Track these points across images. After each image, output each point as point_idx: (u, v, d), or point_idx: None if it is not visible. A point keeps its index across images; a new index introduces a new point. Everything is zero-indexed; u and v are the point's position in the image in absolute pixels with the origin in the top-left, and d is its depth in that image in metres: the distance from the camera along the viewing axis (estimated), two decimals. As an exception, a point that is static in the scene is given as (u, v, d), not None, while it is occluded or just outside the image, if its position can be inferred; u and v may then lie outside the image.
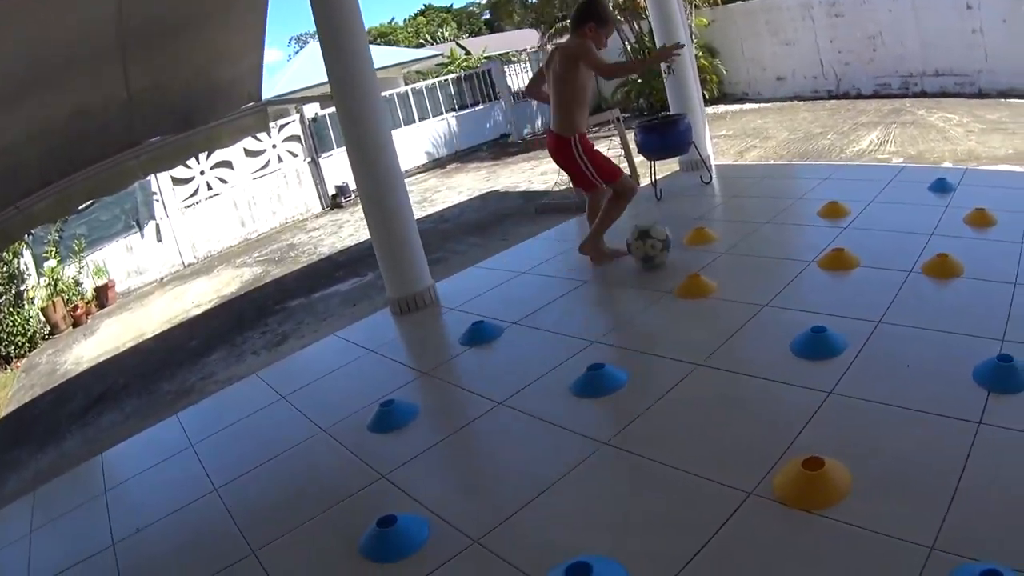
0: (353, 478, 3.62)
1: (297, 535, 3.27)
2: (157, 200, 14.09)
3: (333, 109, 5.86)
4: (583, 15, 5.54)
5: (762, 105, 17.50)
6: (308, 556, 3.14)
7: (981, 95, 14.03)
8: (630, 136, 9.28)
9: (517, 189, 13.61)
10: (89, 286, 12.99)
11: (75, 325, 12.19)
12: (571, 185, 9.69)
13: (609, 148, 11.20)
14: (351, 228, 13.53)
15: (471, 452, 3.83)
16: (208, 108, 6.41)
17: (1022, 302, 4.11)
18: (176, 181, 14.34)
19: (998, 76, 13.85)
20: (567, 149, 5.61)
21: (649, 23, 10.02)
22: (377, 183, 5.80)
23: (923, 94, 15.03)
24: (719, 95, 18.47)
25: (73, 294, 12.51)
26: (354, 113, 5.67)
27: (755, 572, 2.55)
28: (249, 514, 3.54)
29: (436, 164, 18.64)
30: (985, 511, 2.57)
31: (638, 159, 9.02)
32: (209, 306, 10.82)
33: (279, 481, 3.81)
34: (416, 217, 6.18)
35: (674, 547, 2.71)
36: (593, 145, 5.69)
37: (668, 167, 8.89)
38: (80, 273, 12.93)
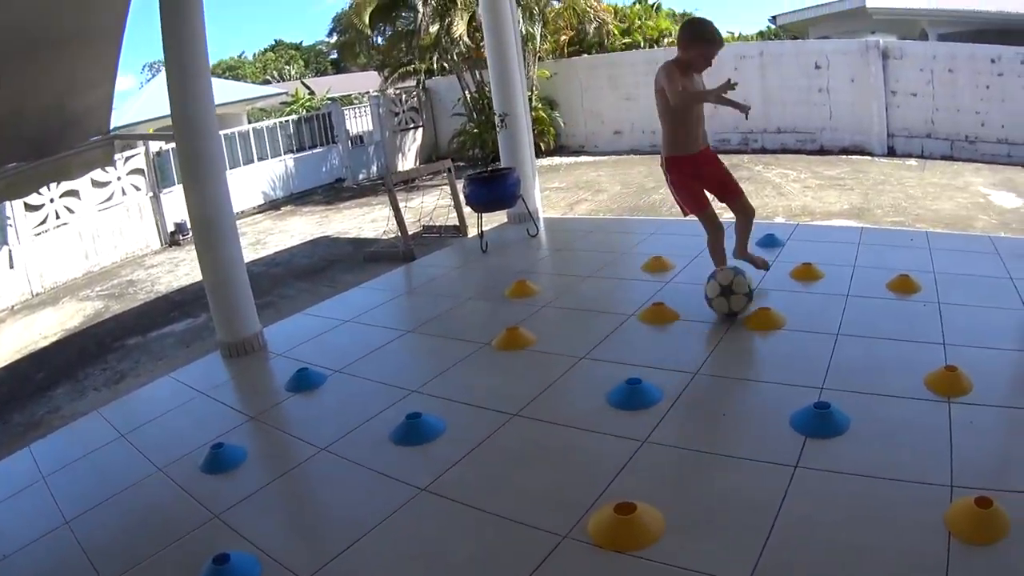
0: (188, 517, 3.65)
1: (142, 569, 3.28)
2: (10, 225, 13.45)
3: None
4: (678, 36, 5.45)
5: (598, 158, 17.99)
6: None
7: (823, 152, 14.88)
8: (460, 186, 9.20)
9: (348, 235, 13.48)
10: (-49, 311, 12.29)
11: (-60, 350, 11.43)
12: (398, 234, 9.67)
13: (440, 198, 11.24)
14: (187, 267, 13.22)
15: (297, 495, 3.86)
16: (59, 138, 6.29)
17: (843, 352, 4.32)
18: (28, 207, 13.81)
19: (841, 134, 14.66)
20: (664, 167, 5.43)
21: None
22: (210, 225, 5.75)
23: (763, 150, 15.81)
24: (555, 147, 18.80)
25: (-63, 318, 11.83)
26: (191, 150, 5.61)
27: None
28: (99, 547, 3.54)
29: (272, 206, 18.17)
30: (801, 546, 2.72)
31: (466, 210, 8.99)
32: (55, 338, 10.52)
33: (123, 517, 3.83)
34: (249, 260, 6.19)
35: (492, 587, 2.78)
36: (681, 170, 5.35)
37: (496, 219, 8.91)
38: (-59, 296, 12.25)
